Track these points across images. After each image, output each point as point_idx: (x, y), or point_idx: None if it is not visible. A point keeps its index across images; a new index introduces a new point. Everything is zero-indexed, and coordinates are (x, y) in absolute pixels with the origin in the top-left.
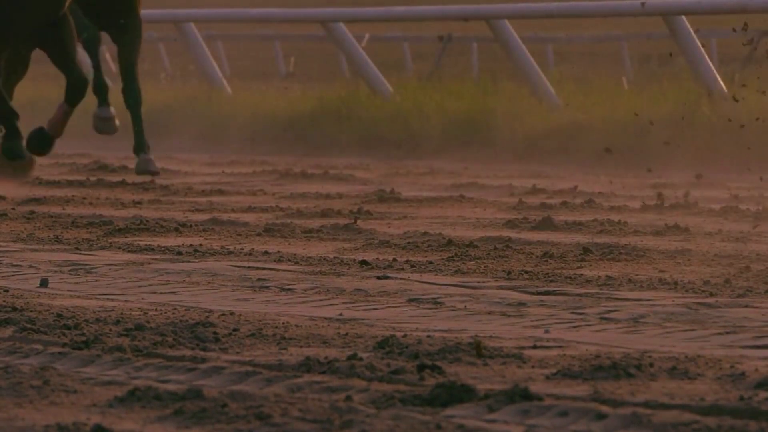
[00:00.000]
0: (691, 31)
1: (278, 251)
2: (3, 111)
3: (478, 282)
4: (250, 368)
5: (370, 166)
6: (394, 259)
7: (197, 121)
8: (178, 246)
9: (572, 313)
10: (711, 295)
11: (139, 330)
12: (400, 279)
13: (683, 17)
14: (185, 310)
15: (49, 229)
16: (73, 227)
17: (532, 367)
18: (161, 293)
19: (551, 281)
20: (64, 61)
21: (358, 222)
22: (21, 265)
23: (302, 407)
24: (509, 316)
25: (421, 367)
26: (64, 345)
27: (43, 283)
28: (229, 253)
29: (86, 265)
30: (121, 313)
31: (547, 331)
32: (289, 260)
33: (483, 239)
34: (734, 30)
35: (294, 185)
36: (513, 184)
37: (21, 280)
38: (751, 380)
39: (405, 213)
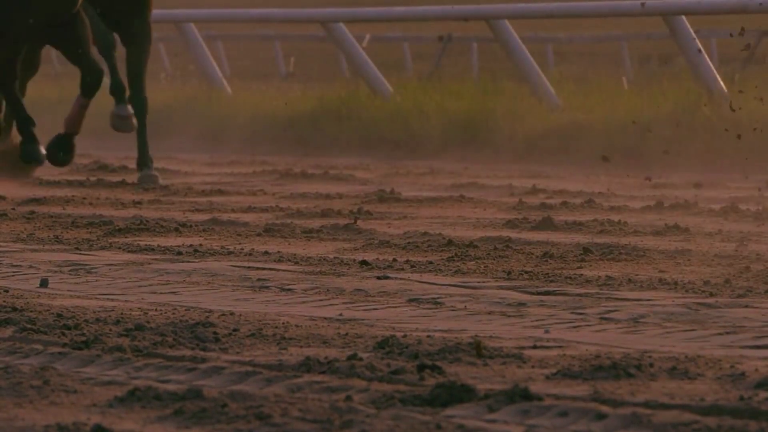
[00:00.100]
0: (691, 31)
1: (278, 251)
2: (20, 118)
3: (478, 282)
4: (250, 368)
5: (370, 166)
6: (394, 259)
7: (197, 121)
8: (178, 246)
9: (572, 313)
10: (711, 295)
11: (139, 330)
12: (400, 279)
13: (683, 17)
14: (185, 310)
15: (49, 229)
16: (73, 227)
17: (532, 367)
18: (161, 293)
19: (551, 281)
20: (78, 56)
21: (358, 222)
22: (21, 265)
23: (302, 407)
24: (509, 316)
25: (421, 367)
26: (64, 345)
27: (43, 283)
28: (229, 253)
29: (86, 265)
30: (121, 313)
31: (547, 331)
32: (289, 260)
33: (483, 239)
34: (731, 35)
35: (294, 185)
36: (513, 184)
37: (21, 280)
38: (751, 380)
39: (405, 213)
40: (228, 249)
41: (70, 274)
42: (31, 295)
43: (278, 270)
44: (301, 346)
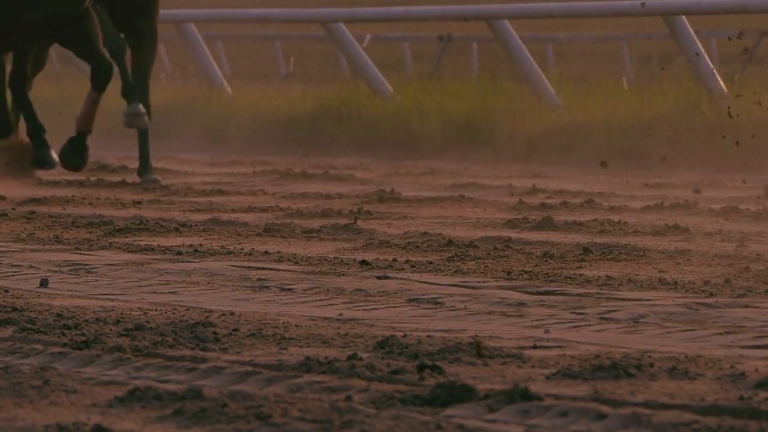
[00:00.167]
0: (691, 31)
1: (278, 251)
2: (31, 125)
3: (478, 282)
4: (250, 368)
5: (370, 166)
6: (394, 259)
7: (197, 121)
8: (178, 246)
9: (572, 313)
10: (711, 295)
11: (139, 330)
12: (400, 279)
13: (683, 17)
14: (185, 310)
15: (49, 229)
16: (73, 227)
17: (532, 367)
18: (161, 293)
19: (551, 281)
20: (88, 52)
21: (358, 222)
22: (21, 265)
23: (302, 407)
24: (509, 316)
25: (421, 367)
26: (64, 345)
27: (43, 283)
28: (229, 253)
29: (86, 265)
30: (121, 313)
31: (547, 331)
32: (289, 260)
33: (483, 239)
34: (729, 39)
35: (294, 185)
36: (513, 184)
37: (21, 280)
38: (751, 380)
39: (405, 213)
40: (228, 249)
41: (70, 274)
42: (31, 295)
43: (278, 270)
44: (301, 346)
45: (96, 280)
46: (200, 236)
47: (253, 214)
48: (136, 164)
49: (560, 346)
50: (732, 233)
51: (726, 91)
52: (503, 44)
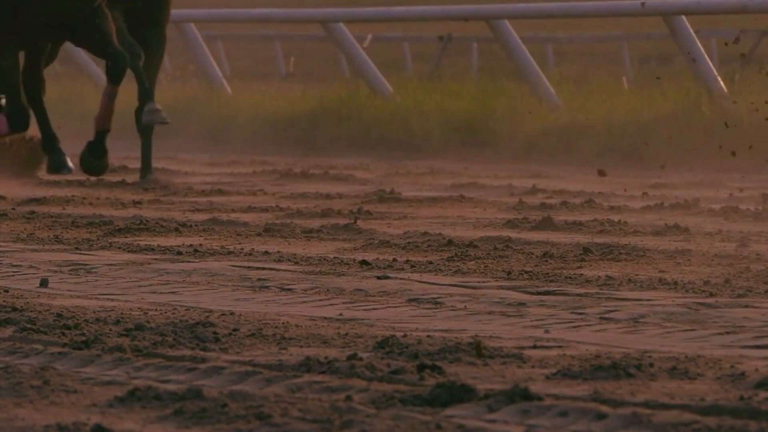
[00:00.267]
0: (691, 31)
1: (278, 251)
2: (45, 134)
3: (478, 282)
4: (250, 368)
5: (370, 166)
6: (394, 259)
7: (197, 121)
8: (178, 246)
9: (572, 313)
10: (711, 295)
11: (139, 330)
12: (400, 279)
13: (683, 17)
14: (185, 310)
15: (49, 229)
16: (73, 227)
17: (532, 367)
18: (161, 293)
19: (551, 281)
20: (102, 46)
21: (358, 222)
22: (21, 265)
23: (302, 407)
24: (509, 316)
25: (421, 367)
26: (64, 345)
27: (43, 283)
28: (229, 253)
29: (86, 265)
30: (121, 313)
31: (547, 331)
32: (289, 260)
33: (483, 239)
34: (726, 44)
35: (294, 185)
36: (513, 184)
37: (21, 280)
38: (751, 380)
39: (405, 213)
40: (228, 249)
41: (70, 274)
42: (31, 295)
43: (278, 270)
44: (301, 346)
45: (96, 280)
46: (200, 236)
47: (253, 214)
48: (136, 164)
49: (560, 346)
50: (732, 233)
51: (726, 91)
52: (503, 44)
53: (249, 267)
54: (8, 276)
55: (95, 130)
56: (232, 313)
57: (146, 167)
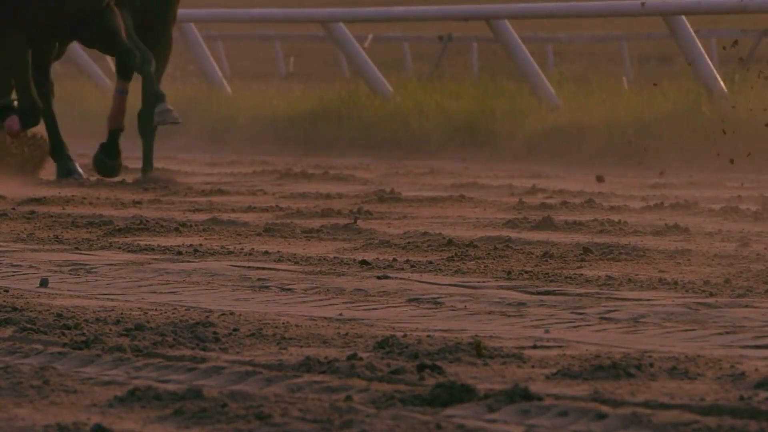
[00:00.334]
0: (691, 31)
1: (278, 251)
2: (54, 141)
3: (478, 282)
4: (250, 368)
5: (370, 166)
6: (394, 259)
7: (197, 121)
8: (178, 246)
9: (572, 313)
10: (711, 295)
11: (139, 330)
12: (400, 279)
13: (683, 17)
14: (185, 310)
15: (49, 229)
16: (73, 227)
17: (532, 367)
18: (161, 293)
19: (551, 281)
20: (112, 43)
21: (358, 222)
22: (21, 265)
23: (302, 407)
24: (509, 316)
25: (421, 367)
26: (64, 345)
27: (43, 283)
28: (229, 253)
29: (86, 265)
30: (121, 313)
31: (547, 331)
32: (289, 260)
33: (483, 239)
34: (724, 48)
35: (294, 185)
36: (513, 184)
37: (21, 280)
38: (751, 380)
39: (405, 213)
40: (228, 249)
41: (70, 274)
42: (31, 295)
43: (278, 270)
44: (301, 346)
45: (96, 280)
46: (200, 236)
47: (253, 214)
48: (136, 164)
49: (560, 346)
50: (732, 233)
51: (726, 91)
52: (503, 44)
53: (249, 267)
54: (8, 276)
55: (108, 130)
56: (232, 313)
57: (147, 163)
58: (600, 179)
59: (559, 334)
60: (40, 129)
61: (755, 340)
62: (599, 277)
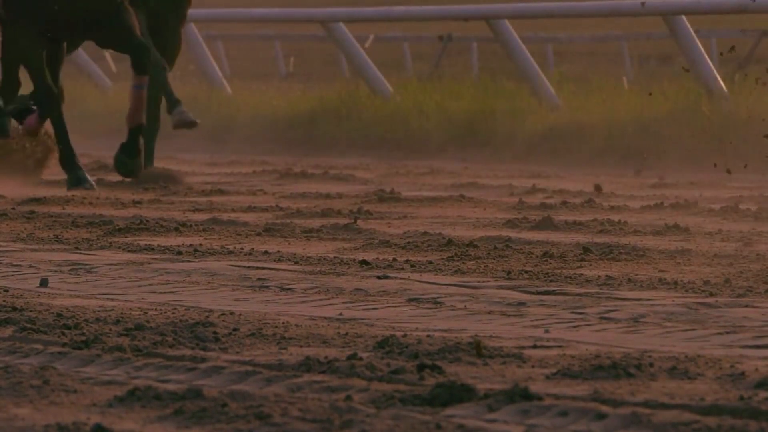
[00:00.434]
0: (691, 30)
1: (278, 251)
2: (64, 149)
3: (478, 282)
4: (250, 368)
5: (370, 166)
6: (394, 259)
7: None
8: (178, 246)
9: (572, 313)
10: (711, 295)
11: (139, 330)
12: (400, 279)
13: (683, 17)
14: (185, 310)
15: (49, 229)
16: (73, 227)
17: (532, 367)
18: (161, 293)
19: (551, 281)
20: (125, 41)
21: (358, 222)
22: (21, 265)
23: (302, 407)
24: (509, 316)
25: (421, 367)
26: (64, 345)
27: (43, 283)
28: (229, 252)
29: (86, 265)
30: (121, 313)
31: (547, 331)
32: (289, 260)
33: (483, 239)
34: (722, 54)
35: (294, 185)
36: (513, 184)
37: (21, 280)
38: (751, 380)
39: (405, 213)
40: (228, 249)
41: (70, 274)
42: (31, 295)
43: (278, 270)
44: (301, 346)
45: (96, 280)
46: (200, 236)
47: (253, 214)
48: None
49: (560, 346)
50: (732, 233)
51: (726, 91)
52: (503, 44)
53: (249, 267)
54: (8, 276)
55: (128, 128)
56: (232, 313)
57: (148, 159)
58: (598, 188)
59: (559, 334)
60: (45, 126)
61: (755, 340)
62: (599, 277)
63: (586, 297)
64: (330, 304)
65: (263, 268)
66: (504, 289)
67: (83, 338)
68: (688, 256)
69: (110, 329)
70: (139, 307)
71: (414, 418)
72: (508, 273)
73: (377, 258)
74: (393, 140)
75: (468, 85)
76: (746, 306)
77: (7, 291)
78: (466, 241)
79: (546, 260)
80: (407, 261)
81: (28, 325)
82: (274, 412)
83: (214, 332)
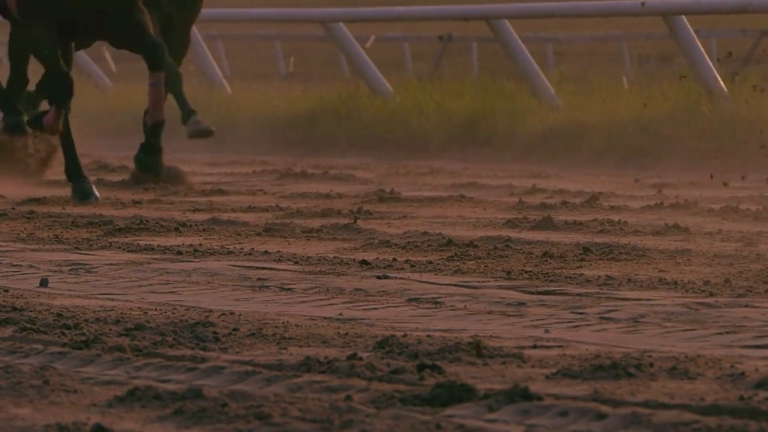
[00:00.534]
0: (691, 30)
1: (278, 251)
2: (71, 162)
3: (478, 282)
4: (250, 368)
5: (370, 166)
6: (394, 259)
7: None
8: (178, 246)
9: (572, 313)
10: (711, 295)
11: (139, 330)
12: (400, 279)
13: (683, 17)
14: (185, 310)
15: (49, 229)
16: (73, 227)
17: (532, 367)
18: (161, 293)
19: (551, 281)
20: (138, 39)
21: (358, 222)
22: (21, 265)
23: (302, 407)
24: (509, 316)
25: (421, 367)
26: (64, 345)
27: (43, 283)
28: (229, 252)
29: (86, 265)
30: (121, 313)
31: (547, 331)
32: (289, 260)
33: (483, 239)
34: (719, 60)
35: (294, 185)
36: (513, 184)
37: (21, 280)
38: (751, 380)
39: (405, 213)
40: (228, 249)
41: (70, 274)
42: (31, 295)
43: (278, 270)
44: (301, 346)
45: (96, 280)
46: (200, 236)
47: (253, 214)
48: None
49: (560, 346)
50: (732, 233)
51: (726, 91)
52: (503, 44)
53: (249, 267)
54: (8, 276)
55: (149, 125)
56: (232, 313)
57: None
58: (595, 198)
59: (559, 334)
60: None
61: (755, 340)
62: (599, 277)
63: (586, 297)
64: (330, 304)
65: (263, 268)
66: (504, 289)
67: (83, 338)
68: (688, 256)
69: (110, 329)
70: (139, 307)
71: (414, 418)
72: (508, 273)
73: (377, 258)
74: (393, 140)
75: (468, 85)
76: (746, 306)
77: (7, 291)
78: (466, 241)
79: (546, 260)
80: (407, 261)
81: (28, 325)
82: (274, 412)
83: (214, 332)
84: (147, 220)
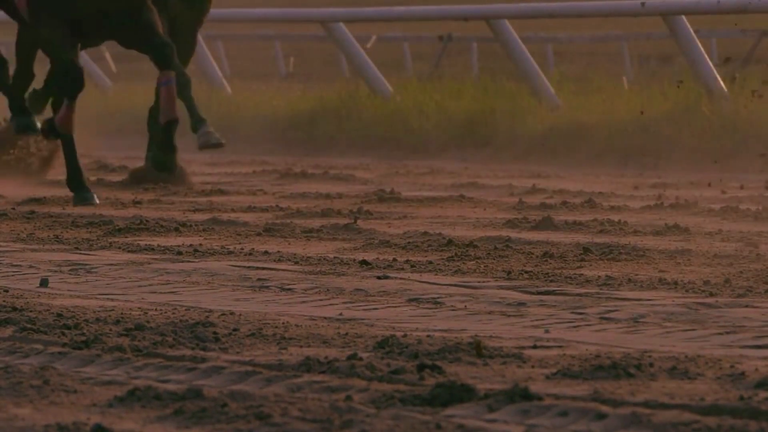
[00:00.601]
0: (691, 30)
1: (278, 251)
2: (72, 167)
3: (478, 282)
4: (250, 368)
5: (370, 166)
6: (394, 259)
7: None
8: (178, 246)
9: (572, 313)
10: (711, 295)
11: (139, 330)
12: (400, 279)
13: (683, 17)
14: (185, 310)
15: (49, 229)
16: (73, 227)
17: (532, 367)
18: (161, 293)
19: (551, 281)
20: (146, 39)
21: (358, 222)
22: (21, 265)
23: (302, 407)
24: (509, 316)
25: (421, 367)
26: (64, 345)
27: (43, 283)
28: (229, 253)
29: (86, 265)
30: (121, 313)
31: (547, 331)
32: (289, 260)
33: (483, 239)
34: (717, 64)
35: (294, 185)
36: (513, 184)
37: (21, 280)
38: (751, 380)
39: (405, 213)
40: (228, 249)
41: (70, 274)
42: (31, 295)
43: (278, 270)
44: (301, 346)
45: (96, 280)
46: (200, 236)
47: (253, 214)
48: (136, 164)
49: (560, 346)
50: (732, 233)
51: (726, 91)
52: (503, 44)
53: (249, 267)
54: (8, 276)
55: (162, 123)
56: (232, 313)
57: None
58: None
59: (559, 334)
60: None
61: (755, 340)
62: (599, 277)
63: (586, 297)
64: (330, 304)
65: (263, 268)
66: (504, 289)
67: (83, 338)
68: (688, 256)
69: (110, 329)
70: (139, 307)
71: (414, 418)
72: (508, 273)
73: (377, 258)
74: (393, 140)
75: (468, 85)
76: (746, 306)
77: (7, 291)
78: (466, 241)
79: (546, 260)
80: (407, 261)
81: (28, 325)
82: (274, 412)
83: (214, 332)
84: (147, 220)
